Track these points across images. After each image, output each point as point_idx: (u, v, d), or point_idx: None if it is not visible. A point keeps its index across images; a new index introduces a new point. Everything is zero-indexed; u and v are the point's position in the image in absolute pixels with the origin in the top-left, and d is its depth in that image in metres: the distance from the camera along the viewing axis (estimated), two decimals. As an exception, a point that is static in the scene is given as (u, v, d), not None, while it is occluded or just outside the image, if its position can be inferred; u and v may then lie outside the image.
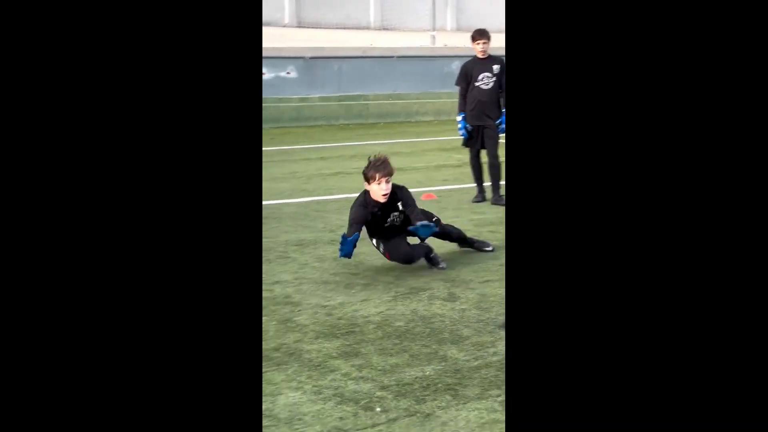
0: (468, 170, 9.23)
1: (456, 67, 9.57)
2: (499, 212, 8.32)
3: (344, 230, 6.29)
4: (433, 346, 4.57)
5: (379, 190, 5.89)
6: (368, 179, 5.89)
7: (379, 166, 5.87)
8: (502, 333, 4.72)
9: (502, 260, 6.36)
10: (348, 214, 6.08)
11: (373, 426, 3.66)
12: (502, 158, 9.04)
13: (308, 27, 23.78)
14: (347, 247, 5.69)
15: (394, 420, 3.71)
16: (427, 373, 4.19)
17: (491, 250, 6.60)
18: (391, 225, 6.06)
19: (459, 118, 8.96)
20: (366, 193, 5.98)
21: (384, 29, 24.46)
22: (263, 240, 6.96)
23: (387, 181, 5.89)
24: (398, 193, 6.03)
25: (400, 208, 6.01)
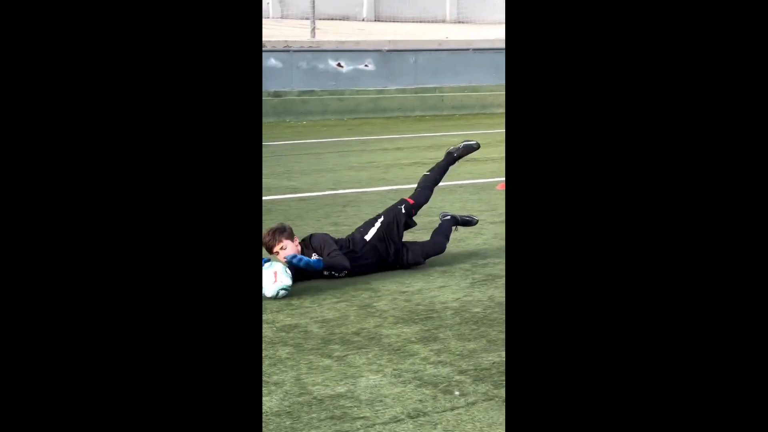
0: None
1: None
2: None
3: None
4: (510, 333, 4.55)
5: (282, 259, 5.53)
6: (269, 252, 5.60)
7: (265, 242, 5.57)
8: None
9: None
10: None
11: (453, 409, 3.65)
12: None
13: (386, 21, 23.79)
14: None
15: (473, 404, 3.70)
16: (504, 358, 4.17)
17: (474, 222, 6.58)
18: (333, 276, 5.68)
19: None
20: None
21: (459, 22, 24.37)
22: (341, 227, 7.00)
23: (283, 248, 5.55)
24: (305, 251, 5.69)
25: (315, 266, 5.54)
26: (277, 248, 5.60)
